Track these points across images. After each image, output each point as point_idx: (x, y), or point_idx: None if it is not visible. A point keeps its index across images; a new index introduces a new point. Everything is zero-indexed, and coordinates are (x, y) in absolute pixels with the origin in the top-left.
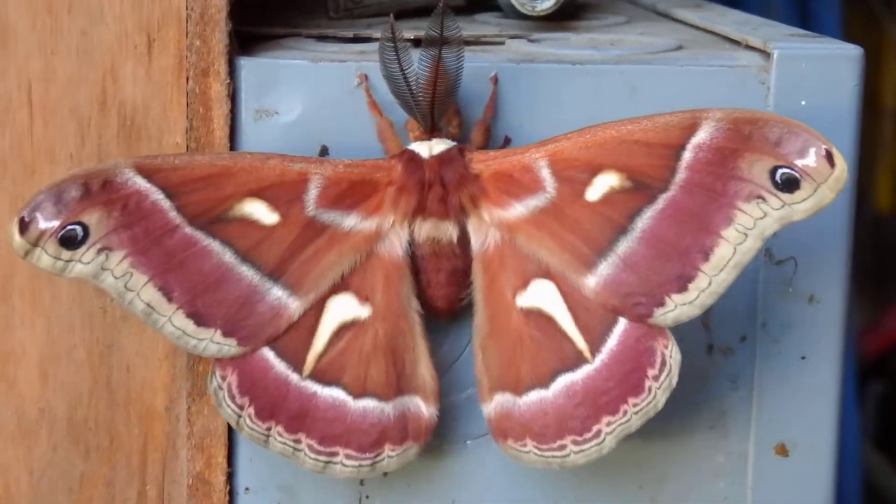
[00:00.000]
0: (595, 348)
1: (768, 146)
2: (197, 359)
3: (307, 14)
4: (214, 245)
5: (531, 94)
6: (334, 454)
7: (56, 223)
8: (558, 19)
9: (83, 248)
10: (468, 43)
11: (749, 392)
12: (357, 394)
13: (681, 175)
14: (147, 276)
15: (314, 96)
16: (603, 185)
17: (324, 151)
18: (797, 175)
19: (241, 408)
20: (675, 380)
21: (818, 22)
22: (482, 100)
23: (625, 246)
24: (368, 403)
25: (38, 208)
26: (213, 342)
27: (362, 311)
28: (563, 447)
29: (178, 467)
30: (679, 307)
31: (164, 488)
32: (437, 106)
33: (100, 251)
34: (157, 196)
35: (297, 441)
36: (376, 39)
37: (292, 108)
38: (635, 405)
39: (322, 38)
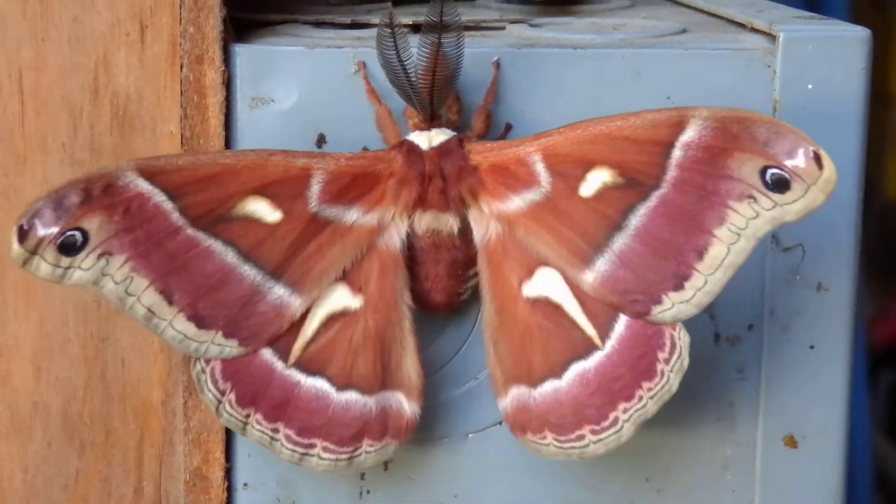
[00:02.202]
0: (604, 334)
1: (757, 146)
2: None
3: (305, 0)
4: (217, 245)
5: (532, 80)
6: (311, 446)
7: (55, 229)
8: (560, 3)
9: (83, 254)
10: (468, 28)
11: (757, 382)
12: (341, 385)
13: (671, 173)
14: (148, 280)
15: (311, 83)
16: (596, 180)
17: (321, 140)
18: (787, 176)
19: (223, 393)
20: (686, 362)
21: (826, 7)
22: (482, 86)
23: (620, 242)
24: (351, 396)
25: (37, 215)
26: (214, 344)
27: (353, 302)
28: (581, 437)
29: (175, 463)
30: (676, 305)
31: (161, 484)
32: (436, 94)
33: (100, 256)
34: (160, 198)
35: (276, 430)
36: (374, 25)
37: (288, 95)
38: (650, 389)
39: (319, 25)
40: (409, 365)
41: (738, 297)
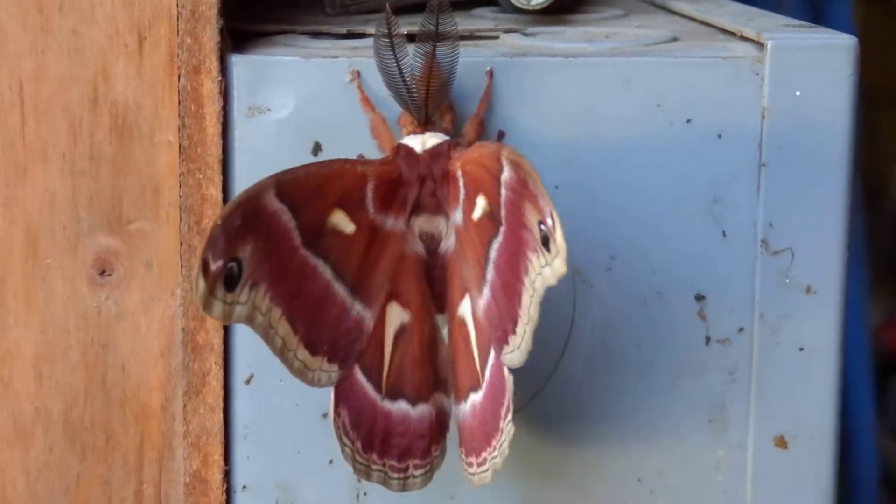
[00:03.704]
0: (483, 374)
1: (533, 198)
2: (192, 357)
3: (304, 10)
4: (319, 263)
5: (524, 88)
6: (407, 469)
7: (221, 262)
8: (555, 13)
9: (239, 287)
10: (462, 37)
11: (747, 384)
12: (415, 401)
13: (503, 210)
14: (281, 309)
15: (306, 93)
16: (479, 206)
17: (317, 148)
18: (547, 233)
19: (353, 442)
20: (512, 429)
21: (829, 14)
22: (475, 94)
23: (490, 273)
24: (423, 409)
25: (213, 244)
26: (322, 370)
27: (405, 317)
28: (471, 464)
29: (174, 466)
30: (513, 350)
31: (161, 487)
32: (431, 99)
33: (251, 287)
34: (286, 216)
35: (384, 465)
36: (369, 35)
37: (285, 104)
38: (498, 446)
39: (316, 35)
40: (445, 361)
41: (729, 300)
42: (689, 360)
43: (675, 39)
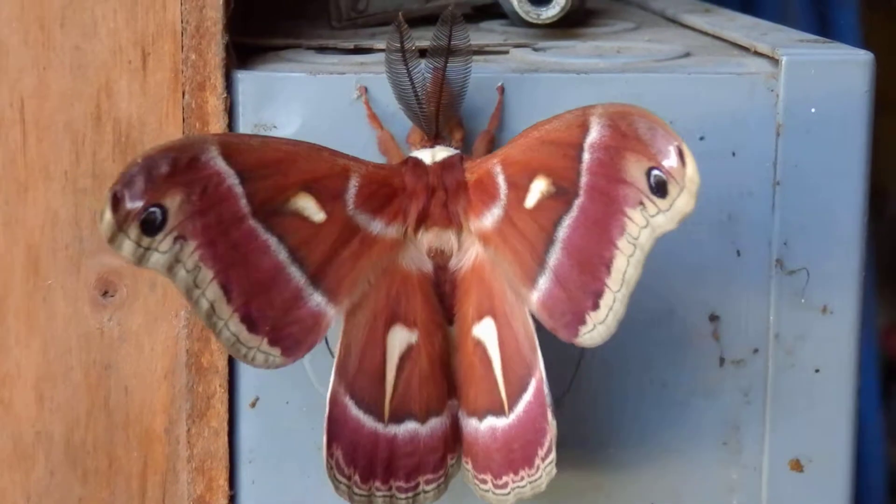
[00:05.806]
0: (511, 405)
1: (641, 145)
2: (196, 379)
3: (310, 23)
4: (272, 240)
5: (535, 105)
6: (417, 486)
7: (140, 203)
8: (565, 26)
9: (161, 235)
10: (472, 52)
11: (762, 406)
12: (424, 418)
13: (584, 178)
14: (213, 272)
15: (313, 109)
16: (536, 190)
17: None
18: (664, 177)
19: (350, 478)
20: (553, 471)
21: (836, 24)
22: (485, 110)
23: (554, 258)
24: (434, 422)
25: (130, 183)
26: (260, 351)
27: (412, 337)
28: (484, 481)
29: (178, 490)
30: (596, 326)
31: None
32: (441, 114)
33: (175, 240)
34: (233, 180)
35: (389, 488)
36: (377, 50)
37: (291, 121)
38: (529, 475)
39: (322, 50)
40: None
41: (743, 320)
42: (703, 381)
43: (687, 55)
